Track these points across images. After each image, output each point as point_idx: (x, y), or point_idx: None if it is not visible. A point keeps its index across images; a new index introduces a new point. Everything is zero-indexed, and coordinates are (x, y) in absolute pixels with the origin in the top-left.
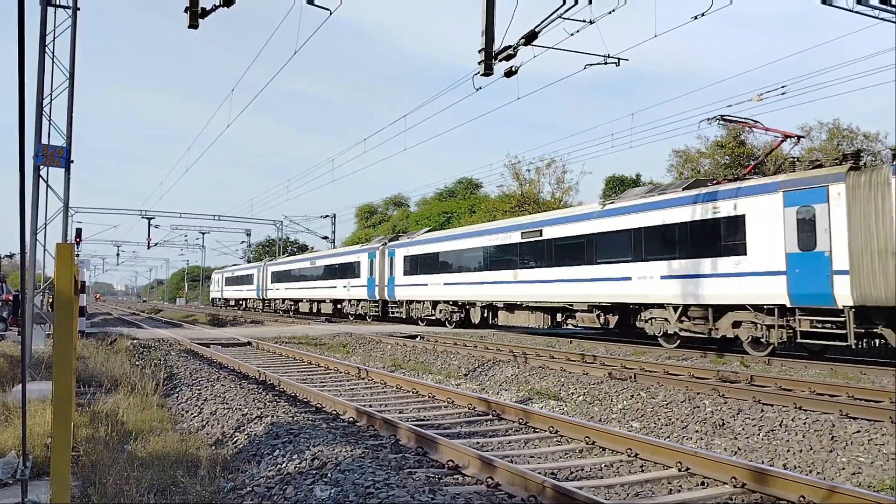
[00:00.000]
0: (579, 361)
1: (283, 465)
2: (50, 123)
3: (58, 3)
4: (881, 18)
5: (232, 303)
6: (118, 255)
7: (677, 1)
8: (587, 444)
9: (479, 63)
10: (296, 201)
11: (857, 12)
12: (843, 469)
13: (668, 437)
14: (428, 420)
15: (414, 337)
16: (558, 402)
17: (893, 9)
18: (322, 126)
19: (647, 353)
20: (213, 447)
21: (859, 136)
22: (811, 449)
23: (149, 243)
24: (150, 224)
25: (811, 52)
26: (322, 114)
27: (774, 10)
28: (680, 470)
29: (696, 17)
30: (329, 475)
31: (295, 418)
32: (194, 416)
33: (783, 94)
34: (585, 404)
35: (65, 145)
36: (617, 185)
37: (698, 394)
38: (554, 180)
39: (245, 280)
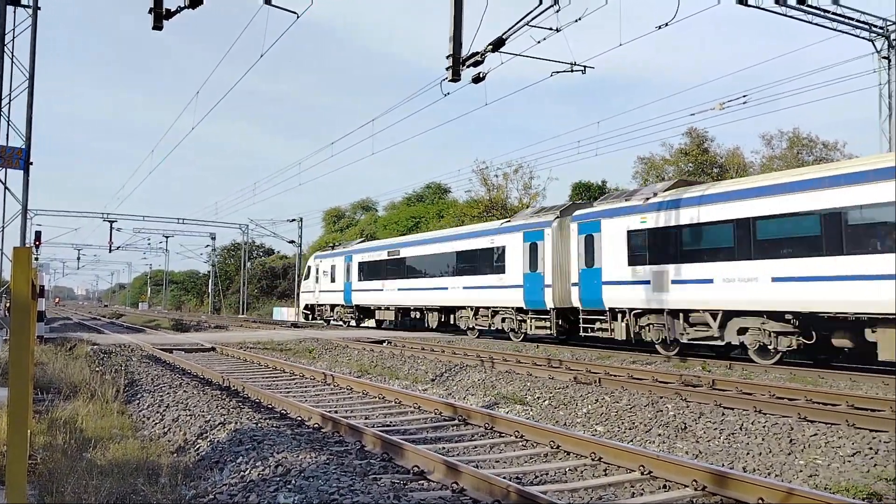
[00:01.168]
0: (545, 366)
1: (247, 472)
2: (9, 124)
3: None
4: (798, 18)
5: (376, 316)
6: (79, 258)
7: (647, 8)
8: (552, 448)
9: (448, 69)
10: (262, 205)
11: (773, 12)
12: (801, 471)
13: (632, 440)
14: (394, 425)
15: (381, 342)
16: (524, 407)
17: (810, 9)
18: (292, 128)
19: (612, 357)
20: (175, 454)
21: (818, 144)
22: (770, 451)
23: (110, 247)
24: (111, 227)
25: (780, 60)
26: (293, 116)
27: (752, 13)
28: (643, 473)
29: (659, 27)
30: (293, 482)
31: (259, 425)
32: (156, 423)
33: (744, 103)
34: (551, 408)
35: (24, 147)
36: (583, 191)
37: (661, 398)
38: (521, 186)
39: (452, 264)
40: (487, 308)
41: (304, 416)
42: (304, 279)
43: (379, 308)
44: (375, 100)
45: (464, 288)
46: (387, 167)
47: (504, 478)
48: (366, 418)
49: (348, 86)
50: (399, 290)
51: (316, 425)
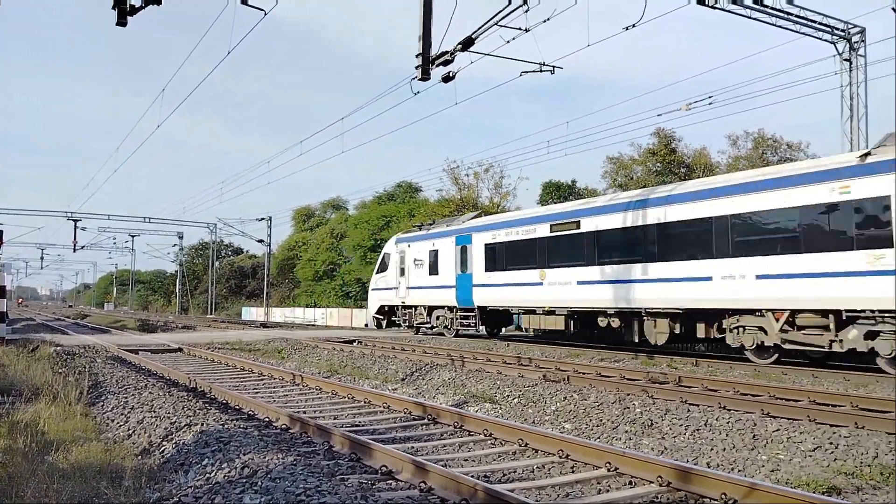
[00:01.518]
0: (515, 364)
1: (212, 474)
2: None
3: None
4: (761, 20)
5: (526, 323)
6: (42, 258)
7: (615, 9)
8: (521, 446)
9: (417, 68)
10: (230, 203)
11: (737, 14)
12: (763, 466)
13: (599, 437)
14: (363, 425)
15: (351, 342)
16: (493, 405)
17: (773, 11)
18: (262, 127)
19: (580, 355)
20: (140, 457)
21: (783, 145)
22: (734, 447)
23: (75, 246)
24: (76, 226)
25: (746, 62)
26: (263, 114)
27: (719, 16)
28: (609, 470)
29: (627, 28)
30: (259, 483)
31: (225, 426)
32: (120, 426)
33: (710, 103)
34: (520, 406)
35: None
36: (554, 191)
37: (628, 395)
38: (492, 185)
39: (719, 237)
40: (826, 313)
41: (271, 416)
42: (377, 272)
43: (532, 311)
44: (346, 98)
45: (757, 277)
46: (357, 166)
47: (472, 476)
48: (334, 419)
49: (319, 84)
50: (580, 283)
51: (284, 426)
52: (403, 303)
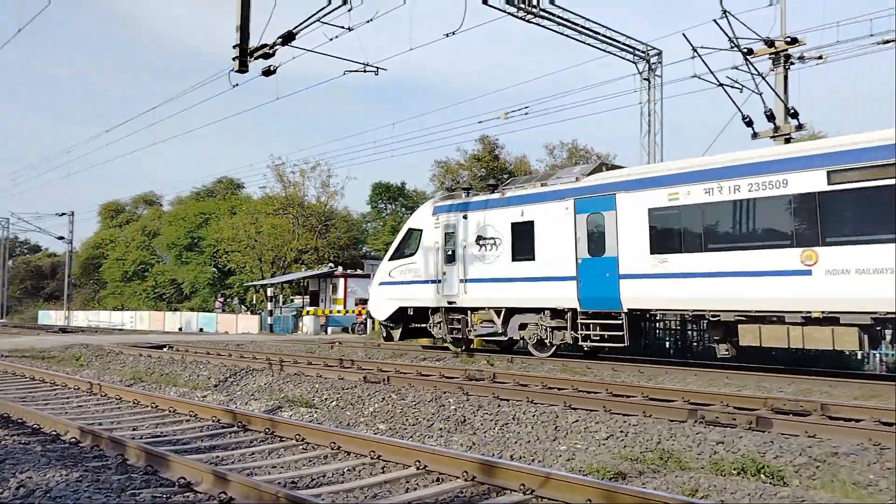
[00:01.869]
0: (337, 367)
1: None
2: None
3: None
4: (565, 35)
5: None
6: None
7: (440, 15)
8: (333, 449)
9: (235, 59)
10: (26, 196)
11: (541, 25)
12: (561, 456)
13: (413, 436)
14: (164, 436)
15: (161, 347)
16: (310, 409)
17: (583, 30)
18: (64, 112)
19: (403, 355)
20: None
21: (594, 155)
22: (538, 439)
23: None
24: None
25: (563, 75)
26: (65, 99)
27: (536, 30)
28: (418, 468)
29: (447, 35)
30: None
31: (2, 442)
32: None
33: (526, 113)
34: (338, 409)
35: None
36: (383, 192)
37: (445, 393)
38: (319, 184)
39: None
40: None
41: (60, 430)
42: (392, 258)
43: (774, 318)
44: (161, 87)
45: None
46: (173, 159)
47: (278, 483)
48: (133, 430)
49: (131, 71)
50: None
51: (73, 440)
52: (451, 303)
